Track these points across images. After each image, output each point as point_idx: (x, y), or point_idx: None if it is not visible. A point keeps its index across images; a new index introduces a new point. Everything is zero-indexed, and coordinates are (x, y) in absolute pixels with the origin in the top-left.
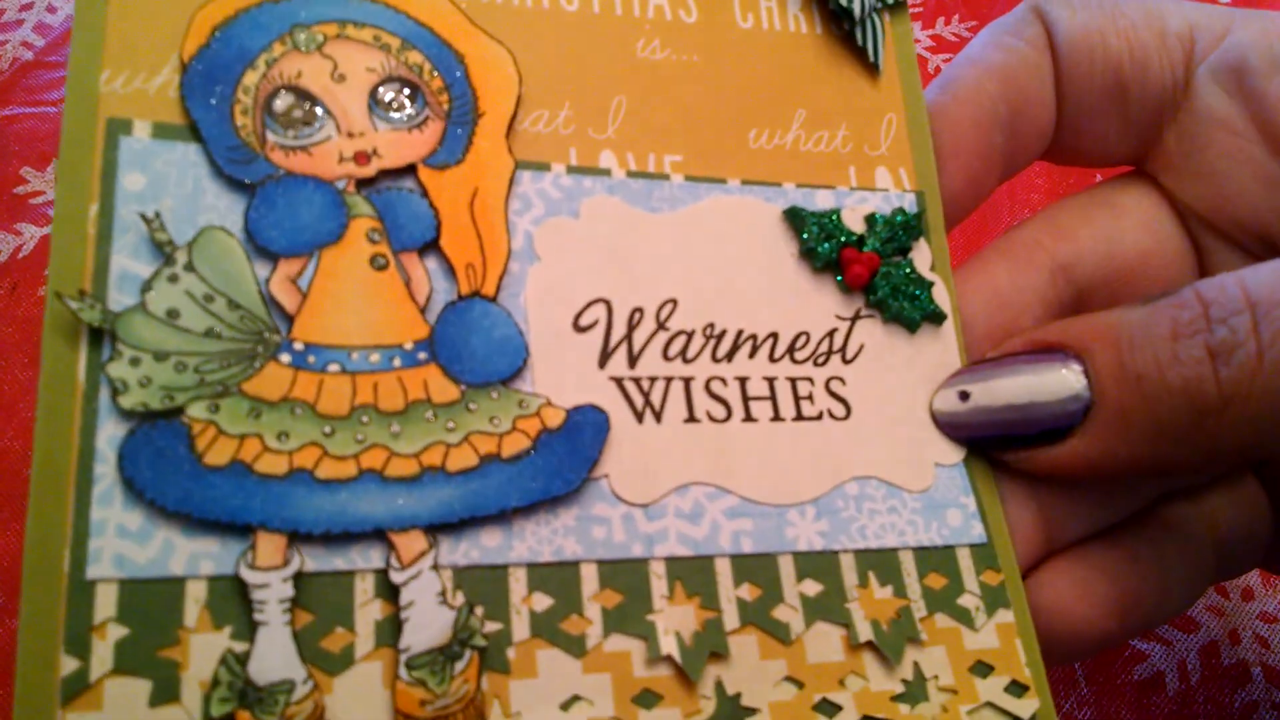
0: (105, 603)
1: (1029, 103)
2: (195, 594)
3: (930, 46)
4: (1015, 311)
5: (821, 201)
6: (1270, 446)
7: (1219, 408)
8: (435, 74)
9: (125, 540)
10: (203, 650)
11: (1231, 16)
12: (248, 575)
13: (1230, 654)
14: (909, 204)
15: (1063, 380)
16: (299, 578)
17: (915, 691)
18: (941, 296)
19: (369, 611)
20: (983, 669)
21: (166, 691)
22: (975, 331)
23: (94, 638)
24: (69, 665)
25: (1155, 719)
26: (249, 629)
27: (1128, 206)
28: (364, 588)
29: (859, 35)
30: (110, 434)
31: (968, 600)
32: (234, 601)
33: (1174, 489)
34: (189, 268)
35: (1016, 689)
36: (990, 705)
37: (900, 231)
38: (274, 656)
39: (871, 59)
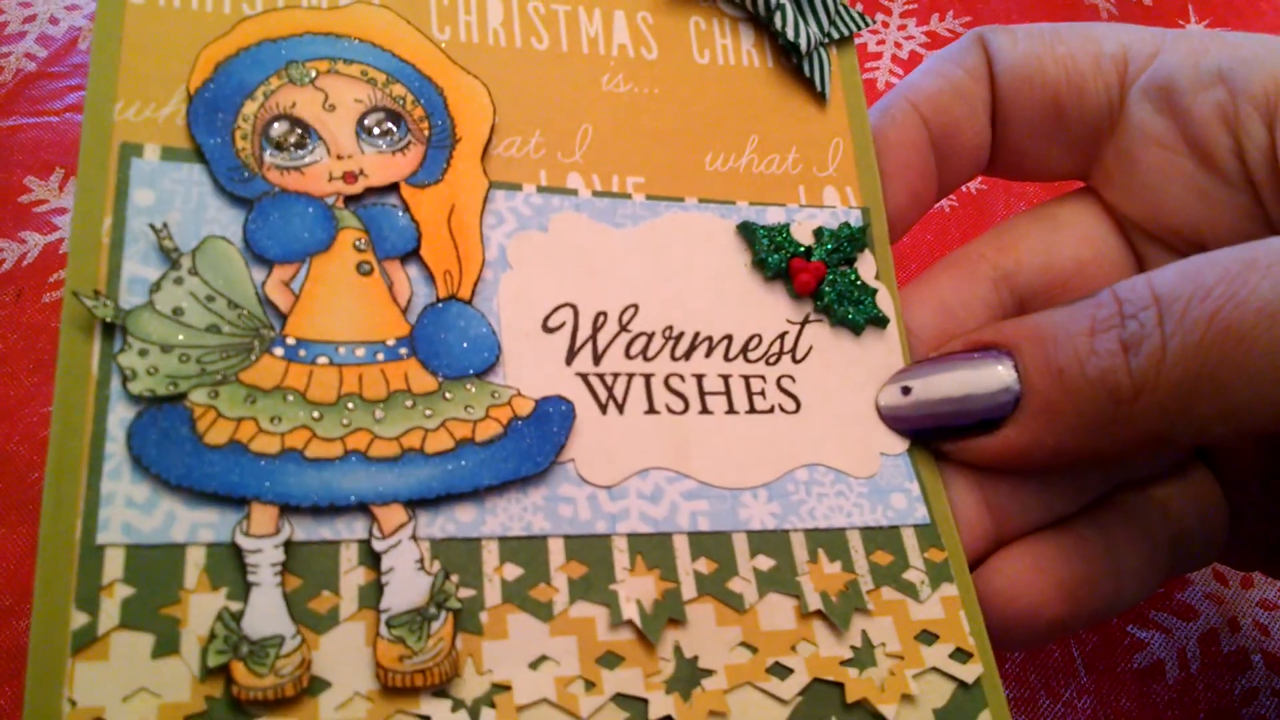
0: (113, 565)
1: (959, 129)
2: (195, 559)
3: (925, 43)
4: (960, 319)
5: (772, 217)
6: (1183, 433)
7: (1132, 396)
8: (417, 104)
9: (132, 510)
10: (201, 609)
11: (1163, 38)
12: (243, 542)
13: (1230, 641)
14: (855, 219)
15: (995, 375)
16: (289, 546)
17: (863, 657)
18: (885, 302)
19: (353, 577)
20: (928, 637)
21: (168, 644)
22: (923, 337)
23: (103, 596)
24: (79, 620)
25: (1155, 707)
26: (244, 590)
27: (1066, 220)
28: (348, 555)
29: (806, 68)
30: (120, 416)
31: (913, 575)
32: (230, 566)
33: (1127, 481)
34: (193, 271)
35: (961, 655)
36: (936, 670)
37: (845, 243)
38: (266, 613)
39: (819, 89)
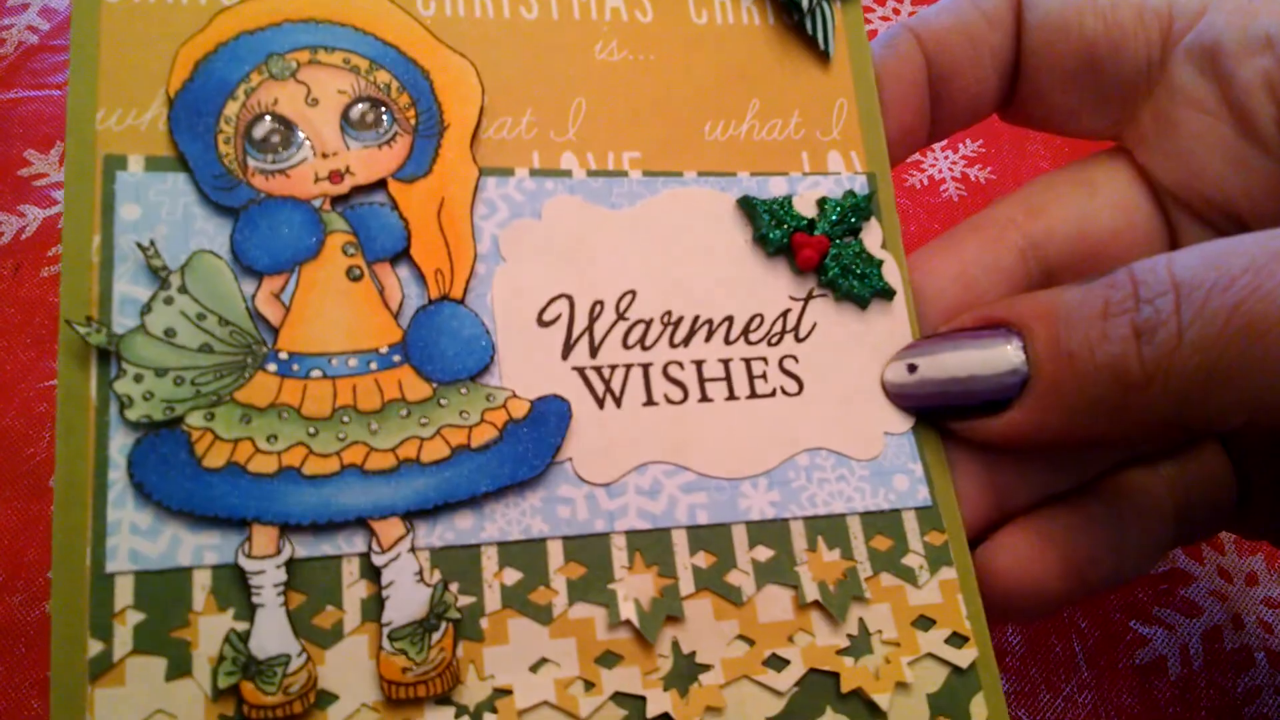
0: (124, 592)
1: (959, 72)
2: (201, 582)
3: None
4: (982, 288)
5: (775, 188)
6: (1194, 422)
7: (1142, 384)
8: (403, 91)
9: (138, 537)
10: (210, 630)
11: None
12: (245, 564)
13: (1233, 639)
14: (860, 186)
15: (1003, 355)
16: (291, 564)
17: (860, 645)
18: (892, 273)
19: (355, 591)
20: (925, 623)
21: (180, 667)
22: (941, 306)
23: (115, 623)
24: (95, 648)
25: (1157, 703)
26: (249, 610)
27: (1102, 184)
28: (350, 570)
29: (808, 25)
30: (120, 444)
31: (912, 560)
32: (235, 587)
33: (1130, 457)
34: (182, 289)
35: (957, 640)
36: (931, 656)
37: (850, 214)
38: (271, 634)
39: (821, 46)
